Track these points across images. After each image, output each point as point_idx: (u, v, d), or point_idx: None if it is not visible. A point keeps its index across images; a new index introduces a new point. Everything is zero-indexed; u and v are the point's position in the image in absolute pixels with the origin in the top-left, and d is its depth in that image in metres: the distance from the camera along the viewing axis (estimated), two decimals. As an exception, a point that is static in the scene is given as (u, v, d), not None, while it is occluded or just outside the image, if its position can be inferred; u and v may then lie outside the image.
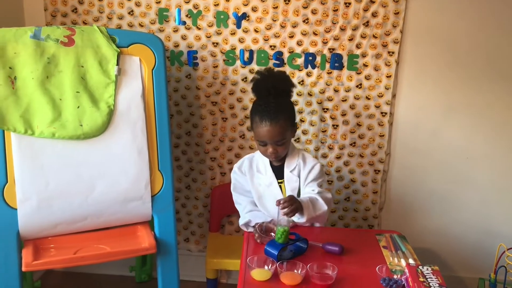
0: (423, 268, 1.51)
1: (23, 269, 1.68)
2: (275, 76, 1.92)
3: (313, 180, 1.88)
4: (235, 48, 2.33)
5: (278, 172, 1.91)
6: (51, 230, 1.78)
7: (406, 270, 1.51)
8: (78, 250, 1.78)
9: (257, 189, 1.92)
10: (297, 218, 1.77)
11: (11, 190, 1.71)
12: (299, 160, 1.90)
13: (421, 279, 1.45)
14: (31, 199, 1.73)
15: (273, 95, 1.84)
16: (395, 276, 1.55)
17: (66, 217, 1.78)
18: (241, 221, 1.90)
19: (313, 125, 2.40)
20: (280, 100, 1.85)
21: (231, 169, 2.41)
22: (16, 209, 1.72)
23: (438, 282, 1.44)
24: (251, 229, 1.85)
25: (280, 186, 1.90)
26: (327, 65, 2.32)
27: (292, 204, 1.67)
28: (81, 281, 2.58)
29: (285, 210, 1.66)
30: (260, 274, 1.52)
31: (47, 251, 1.78)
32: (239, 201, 1.96)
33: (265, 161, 1.91)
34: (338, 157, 2.43)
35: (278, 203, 1.67)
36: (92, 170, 1.80)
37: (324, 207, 1.81)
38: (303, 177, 1.89)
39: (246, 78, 2.36)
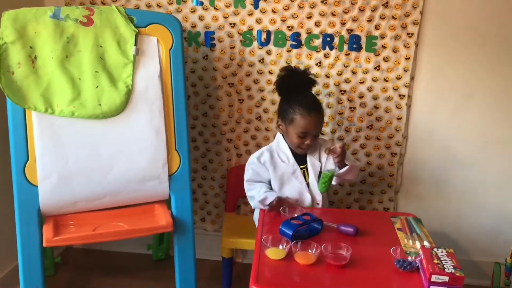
0: (437, 250, 1.51)
1: (44, 244, 1.72)
2: (301, 72, 2.08)
3: None
4: (252, 29, 2.32)
5: (299, 159, 2.03)
6: (71, 207, 1.82)
7: (421, 252, 1.52)
8: (97, 227, 1.82)
9: (280, 179, 2.01)
10: (337, 171, 1.96)
11: (32, 168, 1.75)
12: (318, 145, 2.05)
13: (436, 261, 1.45)
14: (51, 177, 1.77)
15: (307, 89, 2.06)
16: (409, 258, 1.55)
17: (85, 194, 1.81)
18: (257, 198, 1.92)
19: (330, 107, 2.39)
20: (312, 93, 2.08)
21: (247, 151, 2.45)
22: (37, 186, 1.76)
23: (453, 264, 1.44)
24: (266, 207, 1.88)
25: (303, 172, 2.03)
26: (345, 47, 2.30)
27: (343, 153, 1.91)
28: (99, 258, 2.64)
29: (338, 158, 1.89)
30: (274, 253, 1.54)
31: (67, 227, 1.82)
32: (252, 187, 2.00)
33: (286, 151, 2.03)
34: (355, 140, 2.42)
35: (329, 151, 1.91)
36: (110, 149, 1.82)
37: (357, 162, 2.08)
38: (324, 157, 2.04)
39: (263, 59, 2.35)
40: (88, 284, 2.40)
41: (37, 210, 1.77)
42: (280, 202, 1.88)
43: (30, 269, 1.77)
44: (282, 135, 2.07)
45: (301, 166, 2.03)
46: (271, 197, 1.88)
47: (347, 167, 1.93)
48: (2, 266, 2.23)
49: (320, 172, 2.01)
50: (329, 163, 2.00)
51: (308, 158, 2.04)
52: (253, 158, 2.06)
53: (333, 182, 1.97)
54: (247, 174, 2.05)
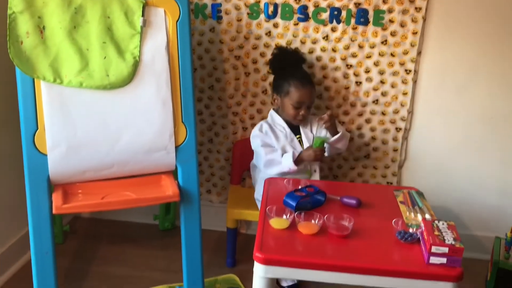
0: (438, 222, 1.54)
1: (54, 211, 1.76)
2: (292, 51, 2.28)
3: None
4: (259, 1, 2.31)
5: (294, 130, 2.22)
6: (80, 176, 1.85)
7: (422, 224, 1.54)
8: (105, 196, 1.85)
9: (282, 146, 2.16)
10: (329, 139, 2.12)
11: (42, 137, 1.77)
12: (309, 119, 2.24)
13: (436, 233, 1.48)
14: (60, 146, 1.79)
15: (299, 66, 2.25)
16: (410, 230, 1.58)
17: (93, 164, 1.84)
18: (288, 156, 2.07)
19: (336, 82, 2.39)
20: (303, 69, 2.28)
21: (253, 124, 2.47)
22: (46, 155, 1.78)
23: (453, 236, 1.47)
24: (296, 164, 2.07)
25: (299, 141, 2.21)
26: (353, 21, 2.28)
27: (331, 119, 2.09)
28: (107, 227, 2.70)
29: (327, 124, 2.08)
30: (278, 222, 1.58)
31: (75, 196, 1.85)
32: (269, 151, 2.13)
33: (282, 123, 2.21)
34: (360, 115, 2.43)
35: (319, 119, 2.11)
36: (118, 120, 1.84)
37: (347, 133, 2.25)
38: (315, 127, 2.23)
39: (269, 32, 2.35)
40: (96, 252, 2.46)
41: (47, 178, 1.80)
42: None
43: (40, 235, 1.81)
44: (276, 111, 2.24)
45: (297, 136, 2.21)
46: (297, 151, 2.11)
47: (339, 134, 2.11)
48: (14, 232, 2.29)
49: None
50: (319, 131, 2.20)
51: (301, 129, 2.22)
52: (255, 131, 2.21)
53: (326, 154, 2.12)
54: (258, 143, 2.17)
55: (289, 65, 2.21)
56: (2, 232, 2.21)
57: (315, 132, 2.22)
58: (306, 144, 2.19)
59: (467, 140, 2.43)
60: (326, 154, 2.13)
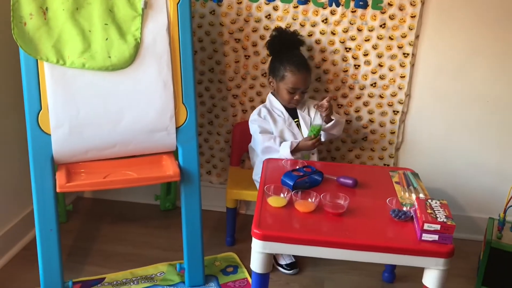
0: (431, 201, 1.59)
1: (57, 190, 1.80)
2: (291, 33, 2.26)
3: None
4: (259, -16, 2.33)
5: (292, 114, 2.25)
6: (83, 156, 1.90)
7: (415, 203, 1.59)
8: (107, 175, 1.89)
9: (280, 130, 2.20)
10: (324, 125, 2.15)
11: (45, 117, 1.81)
12: (307, 102, 2.29)
13: (429, 211, 1.52)
14: (63, 126, 1.83)
15: (297, 48, 2.24)
16: (404, 208, 1.63)
17: (96, 144, 1.88)
18: (286, 145, 2.08)
19: (335, 65, 2.42)
20: (301, 52, 2.27)
21: (252, 107, 2.50)
22: (49, 135, 1.82)
23: (445, 214, 1.51)
24: (292, 153, 2.09)
25: (297, 125, 2.24)
26: (352, 4, 2.30)
27: (330, 106, 2.10)
28: (109, 207, 2.75)
29: (326, 111, 2.09)
30: (276, 200, 1.62)
31: (78, 175, 1.90)
32: (269, 144, 2.15)
33: (279, 107, 2.24)
34: (358, 97, 2.46)
35: (317, 106, 2.12)
36: (120, 101, 1.88)
37: (342, 119, 2.27)
38: (312, 113, 2.26)
39: (269, 15, 2.37)
40: (98, 231, 2.52)
41: (50, 157, 1.84)
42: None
43: (45, 213, 1.86)
44: (273, 94, 2.27)
45: (295, 120, 2.24)
46: (295, 141, 2.12)
47: (333, 121, 2.13)
48: (19, 210, 2.33)
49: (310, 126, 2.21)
50: (317, 118, 2.22)
51: (299, 113, 2.25)
52: (254, 115, 2.24)
53: (322, 139, 2.15)
54: (256, 128, 2.19)
55: (287, 47, 2.21)
56: (8, 210, 2.26)
57: (312, 116, 2.25)
58: (303, 128, 2.22)
59: (464, 122, 2.46)
60: (322, 139, 2.16)
